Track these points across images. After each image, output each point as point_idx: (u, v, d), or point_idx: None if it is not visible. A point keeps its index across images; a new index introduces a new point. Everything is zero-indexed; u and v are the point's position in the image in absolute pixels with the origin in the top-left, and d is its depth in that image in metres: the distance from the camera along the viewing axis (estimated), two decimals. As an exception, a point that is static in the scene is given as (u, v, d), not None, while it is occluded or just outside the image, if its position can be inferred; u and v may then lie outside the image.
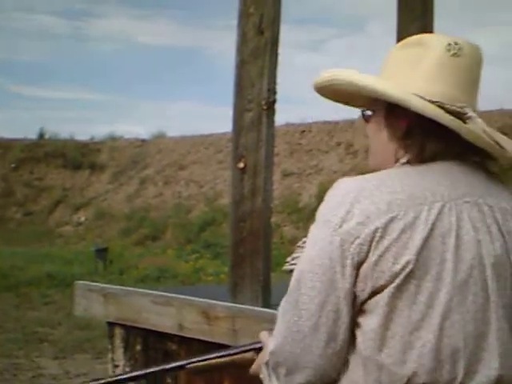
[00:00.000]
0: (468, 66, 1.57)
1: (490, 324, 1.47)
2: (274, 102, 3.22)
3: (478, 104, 1.61)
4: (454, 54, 1.55)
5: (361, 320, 1.48)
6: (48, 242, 20.14)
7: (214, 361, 1.72)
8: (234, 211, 3.21)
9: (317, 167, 18.69)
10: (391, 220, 1.44)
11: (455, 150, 1.53)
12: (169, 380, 3.25)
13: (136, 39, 52.37)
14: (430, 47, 1.56)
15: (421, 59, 1.56)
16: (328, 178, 17.43)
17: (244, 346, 1.71)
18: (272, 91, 3.21)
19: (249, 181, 3.18)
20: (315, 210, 1.56)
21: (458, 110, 1.50)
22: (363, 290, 1.45)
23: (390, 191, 1.47)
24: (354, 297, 1.46)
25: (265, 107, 3.17)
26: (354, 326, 1.48)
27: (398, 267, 1.42)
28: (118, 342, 3.45)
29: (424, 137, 1.52)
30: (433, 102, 1.50)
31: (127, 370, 3.42)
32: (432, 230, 1.44)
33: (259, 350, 1.64)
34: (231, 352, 1.71)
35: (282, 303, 1.53)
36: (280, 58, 3.30)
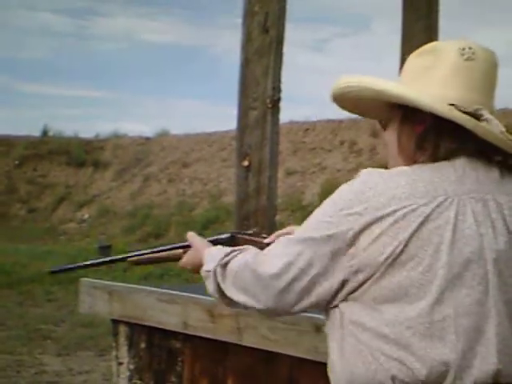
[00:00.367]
0: (482, 68, 1.60)
1: (488, 318, 1.48)
2: (279, 100, 3.23)
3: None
4: (468, 58, 1.59)
5: (347, 309, 1.53)
6: (51, 239, 20.13)
7: (150, 255, 2.07)
8: (239, 209, 3.21)
9: (320, 165, 18.66)
10: (388, 213, 1.49)
11: (470, 149, 1.56)
12: (173, 379, 3.25)
13: (140, 37, 52.27)
14: (443, 53, 1.60)
15: (436, 65, 1.60)
16: (331, 176, 17.41)
17: (174, 244, 2.04)
18: (277, 89, 3.21)
19: (253, 179, 3.19)
20: (318, 208, 1.59)
21: (474, 111, 1.53)
22: (354, 272, 1.51)
23: (395, 186, 1.51)
24: (343, 283, 1.52)
25: (269, 105, 3.18)
26: (343, 315, 1.54)
27: (383, 256, 1.47)
28: (122, 339, 3.46)
29: (439, 138, 1.56)
30: (450, 105, 1.53)
31: (131, 367, 3.42)
32: (425, 222, 1.48)
33: (187, 247, 1.96)
34: (164, 248, 2.05)
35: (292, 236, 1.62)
36: (284, 57, 3.31)
